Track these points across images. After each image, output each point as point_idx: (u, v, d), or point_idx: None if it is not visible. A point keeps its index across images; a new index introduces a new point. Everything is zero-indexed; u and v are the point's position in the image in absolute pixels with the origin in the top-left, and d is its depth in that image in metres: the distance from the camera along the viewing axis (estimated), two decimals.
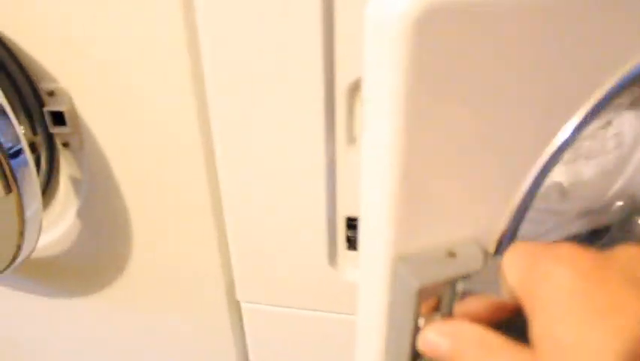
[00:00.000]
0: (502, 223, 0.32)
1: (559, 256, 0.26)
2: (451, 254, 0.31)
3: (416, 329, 0.31)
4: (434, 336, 0.30)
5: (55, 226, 0.58)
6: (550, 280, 0.25)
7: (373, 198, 0.31)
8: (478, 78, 0.27)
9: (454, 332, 0.29)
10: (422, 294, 0.30)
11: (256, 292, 0.57)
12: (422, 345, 0.31)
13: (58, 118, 0.50)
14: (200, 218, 0.54)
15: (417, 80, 0.26)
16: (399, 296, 0.31)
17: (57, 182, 0.56)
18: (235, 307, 0.61)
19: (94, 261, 0.61)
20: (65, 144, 0.52)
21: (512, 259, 0.28)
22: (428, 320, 0.31)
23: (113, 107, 0.49)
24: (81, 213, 0.56)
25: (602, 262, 0.25)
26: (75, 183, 0.55)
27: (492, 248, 0.33)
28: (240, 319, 0.61)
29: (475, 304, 0.30)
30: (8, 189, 0.46)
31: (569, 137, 0.30)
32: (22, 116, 0.51)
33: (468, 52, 0.26)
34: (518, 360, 0.26)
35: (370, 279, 0.33)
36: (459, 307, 0.31)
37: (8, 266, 0.52)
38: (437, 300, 0.31)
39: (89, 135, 0.51)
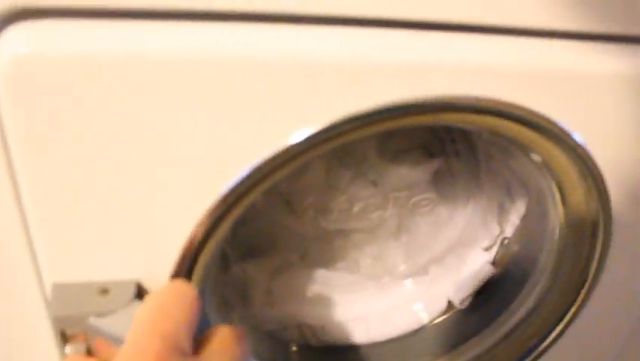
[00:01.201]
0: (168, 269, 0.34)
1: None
2: (104, 291, 0.33)
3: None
4: None
5: None
6: None
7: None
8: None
9: None
10: (62, 322, 0.32)
11: None
12: None
13: None
14: None
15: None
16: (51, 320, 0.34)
17: None
18: None
19: None
20: None
21: (142, 309, 0.29)
22: (72, 349, 0.33)
23: None
24: None
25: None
26: None
27: None
28: None
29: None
30: None
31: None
32: None
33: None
34: None
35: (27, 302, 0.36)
36: (102, 344, 0.32)
37: None
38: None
39: None
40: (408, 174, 0.51)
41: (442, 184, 0.52)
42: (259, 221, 0.50)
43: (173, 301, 0.29)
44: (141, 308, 0.29)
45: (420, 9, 0.31)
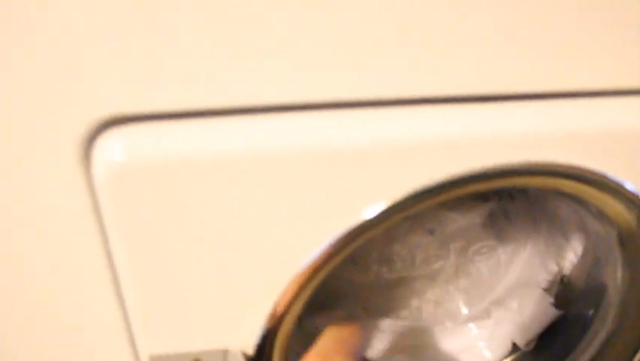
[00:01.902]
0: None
1: None
2: None
3: None
4: None
5: None
6: None
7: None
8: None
9: None
10: None
11: None
12: None
13: None
14: None
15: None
16: None
17: None
18: None
19: None
20: None
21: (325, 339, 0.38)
22: None
23: None
24: None
25: None
26: None
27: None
28: None
29: None
30: None
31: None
32: None
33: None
34: None
35: None
36: None
37: None
38: None
39: None
40: (461, 218, 0.52)
41: (499, 228, 0.53)
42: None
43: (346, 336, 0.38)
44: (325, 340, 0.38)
45: (472, 84, 0.33)
